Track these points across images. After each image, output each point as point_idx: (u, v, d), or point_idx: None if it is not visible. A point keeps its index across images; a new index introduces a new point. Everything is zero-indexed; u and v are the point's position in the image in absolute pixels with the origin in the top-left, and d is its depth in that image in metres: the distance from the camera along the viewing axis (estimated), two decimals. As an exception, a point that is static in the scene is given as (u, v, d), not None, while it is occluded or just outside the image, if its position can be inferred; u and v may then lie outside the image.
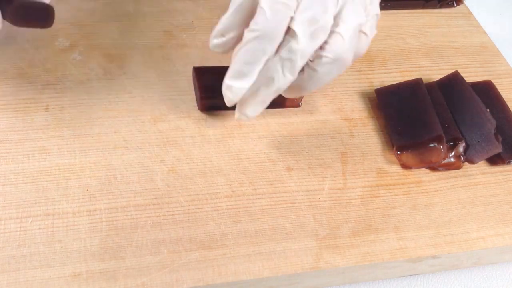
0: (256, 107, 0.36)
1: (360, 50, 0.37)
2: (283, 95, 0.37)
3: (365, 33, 0.36)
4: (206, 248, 0.33)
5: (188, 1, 0.50)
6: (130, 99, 0.41)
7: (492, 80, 0.45)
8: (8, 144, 0.37)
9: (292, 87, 0.35)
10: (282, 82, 0.35)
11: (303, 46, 0.33)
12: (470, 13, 0.55)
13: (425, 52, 0.50)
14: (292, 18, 0.33)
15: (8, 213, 0.33)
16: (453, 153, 0.39)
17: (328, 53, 0.34)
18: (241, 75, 0.35)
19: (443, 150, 0.38)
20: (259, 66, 0.34)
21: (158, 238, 0.33)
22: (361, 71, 0.47)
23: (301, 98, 0.42)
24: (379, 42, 0.50)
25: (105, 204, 0.35)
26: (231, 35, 0.36)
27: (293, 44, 0.33)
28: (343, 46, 0.34)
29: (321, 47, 0.34)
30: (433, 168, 0.40)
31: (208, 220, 0.35)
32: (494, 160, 0.41)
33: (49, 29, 0.40)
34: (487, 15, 0.63)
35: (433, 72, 0.48)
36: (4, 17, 0.38)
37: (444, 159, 0.39)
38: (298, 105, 0.42)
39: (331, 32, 0.34)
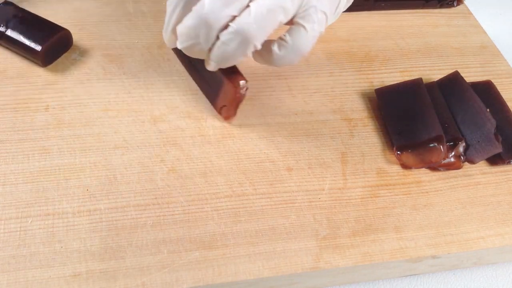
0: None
1: (301, 46, 0.36)
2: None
3: (303, 26, 0.35)
4: (206, 248, 0.33)
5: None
6: (130, 99, 0.41)
7: (492, 80, 0.45)
8: (8, 144, 0.37)
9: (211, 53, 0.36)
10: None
11: (208, 10, 0.33)
12: (470, 13, 0.55)
13: (425, 52, 0.50)
14: None
15: (8, 213, 0.33)
16: (453, 153, 0.39)
17: (232, 24, 0.34)
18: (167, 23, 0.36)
19: (443, 150, 0.38)
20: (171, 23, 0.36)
21: (158, 238, 0.33)
22: (361, 71, 0.47)
23: (234, 113, 0.40)
24: (379, 42, 0.50)
25: (105, 204, 0.35)
26: None
27: (198, 7, 0.33)
28: (248, 20, 0.33)
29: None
30: (433, 168, 0.40)
31: (208, 220, 0.35)
32: (494, 160, 0.41)
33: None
34: (487, 15, 0.63)
35: (433, 72, 0.48)
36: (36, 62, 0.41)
37: (444, 159, 0.39)
38: (229, 118, 0.41)
39: (246, 7, 0.33)
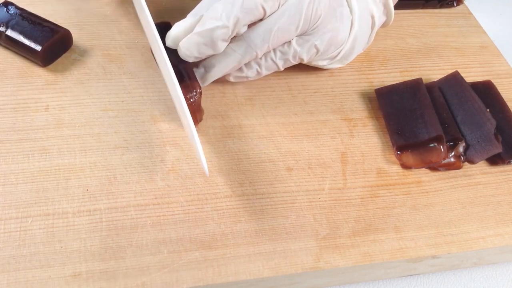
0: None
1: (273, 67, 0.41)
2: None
3: (288, 44, 0.40)
4: (206, 248, 0.33)
5: (188, 1, 0.50)
6: (130, 99, 0.41)
7: (492, 80, 0.45)
8: (8, 144, 0.37)
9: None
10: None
11: None
12: (470, 13, 0.55)
13: (425, 52, 0.50)
14: None
15: (8, 213, 0.33)
16: (453, 153, 0.39)
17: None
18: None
19: (443, 150, 0.38)
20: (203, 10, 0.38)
21: (158, 238, 0.33)
22: (361, 71, 0.47)
23: (195, 120, 0.39)
24: (379, 42, 0.50)
25: (105, 204, 0.35)
26: None
27: None
28: None
29: None
30: (433, 168, 0.40)
31: (208, 220, 0.35)
32: (494, 160, 0.41)
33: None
34: (487, 15, 0.63)
35: (433, 72, 0.48)
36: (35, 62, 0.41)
37: (444, 159, 0.39)
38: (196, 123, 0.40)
39: None
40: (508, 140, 0.41)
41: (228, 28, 0.36)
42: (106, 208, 0.34)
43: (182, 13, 0.49)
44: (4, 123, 0.38)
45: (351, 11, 0.41)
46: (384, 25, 0.45)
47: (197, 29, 0.37)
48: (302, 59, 0.41)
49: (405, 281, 0.38)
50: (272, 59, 0.40)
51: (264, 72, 0.41)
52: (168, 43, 0.38)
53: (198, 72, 0.40)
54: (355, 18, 0.41)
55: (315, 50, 0.41)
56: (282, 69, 0.42)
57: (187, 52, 0.37)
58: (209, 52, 0.37)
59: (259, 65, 0.41)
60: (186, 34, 0.37)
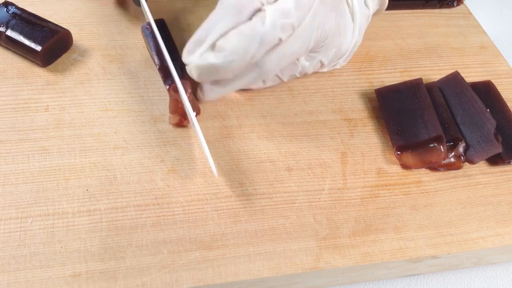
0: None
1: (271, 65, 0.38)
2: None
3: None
4: (206, 248, 0.33)
5: (188, 1, 0.50)
6: (130, 99, 0.41)
7: (492, 80, 0.45)
8: (8, 144, 0.37)
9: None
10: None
11: (266, 30, 0.34)
12: (470, 13, 0.55)
13: (425, 52, 0.50)
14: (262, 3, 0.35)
15: (8, 213, 0.33)
16: (453, 153, 0.39)
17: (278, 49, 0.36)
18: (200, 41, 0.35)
19: (443, 150, 0.38)
20: (215, 36, 0.34)
21: (158, 238, 0.33)
22: (361, 71, 0.47)
23: (178, 121, 0.39)
24: (379, 42, 0.50)
25: (105, 204, 0.35)
26: None
27: (258, 24, 0.34)
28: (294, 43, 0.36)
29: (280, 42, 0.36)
30: (433, 168, 0.40)
31: (208, 220, 0.35)
32: (494, 160, 0.41)
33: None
34: (487, 15, 0.63)
35: (433, 72, 0.48)
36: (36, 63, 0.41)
37: (444, 159, 0.39)
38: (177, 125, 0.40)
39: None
40: (508, 140, 0.41)
41: (246, 61, 0.35)
42: (106, 208, 0.34)
43: (182, 13, 0.49)
44: (4, 123, 0.38)
45: (352, 18, 0.41)
46: (376, 13, 0.45)
47: (212, 59, 0.34)
48: (307, 73, 0.42)
49: (405, 281, 0.38)
50: (278, 76, 0.41)
51: (269, 85, 0.42)
52: (193, 75, 0.36)
53: (205, 87, 0.39)
54: (356, 27, 0.41)
55: (319, 65, 0.41)
56: (286, 81, 0.43)
57: (199, 78, 0.36)
58: (220, 77, 0.37)
59: (264, 81, 0.41)
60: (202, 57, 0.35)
